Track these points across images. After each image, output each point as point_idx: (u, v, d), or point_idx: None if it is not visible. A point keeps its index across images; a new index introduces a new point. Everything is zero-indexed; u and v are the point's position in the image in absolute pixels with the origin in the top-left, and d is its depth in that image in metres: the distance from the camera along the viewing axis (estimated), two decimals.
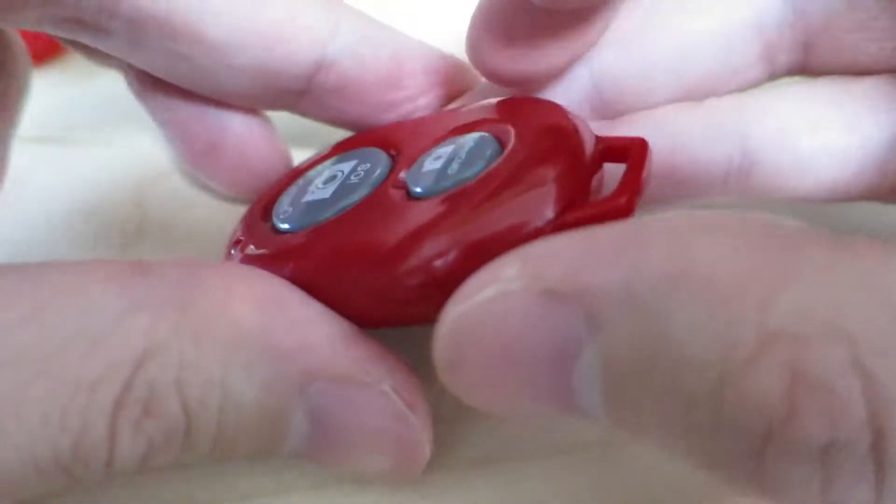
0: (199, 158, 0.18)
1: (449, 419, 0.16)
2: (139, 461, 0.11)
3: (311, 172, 0.16)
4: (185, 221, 0.20)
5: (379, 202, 0.14)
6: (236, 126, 0.18)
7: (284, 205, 0.16)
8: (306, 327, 0.12)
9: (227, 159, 0.18)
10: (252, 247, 0.15)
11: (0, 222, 0.19)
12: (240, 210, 0.20)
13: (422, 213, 0.13)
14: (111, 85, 0.20)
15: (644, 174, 0.13)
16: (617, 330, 0.10)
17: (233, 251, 0.15)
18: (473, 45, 0.15)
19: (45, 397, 0.10)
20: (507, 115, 0.15)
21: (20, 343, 0.10)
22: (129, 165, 0.21)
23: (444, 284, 0.11)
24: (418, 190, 0.14)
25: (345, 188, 0.15)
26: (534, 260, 0.10)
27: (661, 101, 0.17)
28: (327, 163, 0.16)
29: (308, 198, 0.15)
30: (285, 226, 0.15)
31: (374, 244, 0.13)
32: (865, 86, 0.16)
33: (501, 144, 0.14)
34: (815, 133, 0.16)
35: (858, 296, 0.09)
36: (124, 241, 0.19)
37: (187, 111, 0.17)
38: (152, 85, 0.17)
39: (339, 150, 0.17)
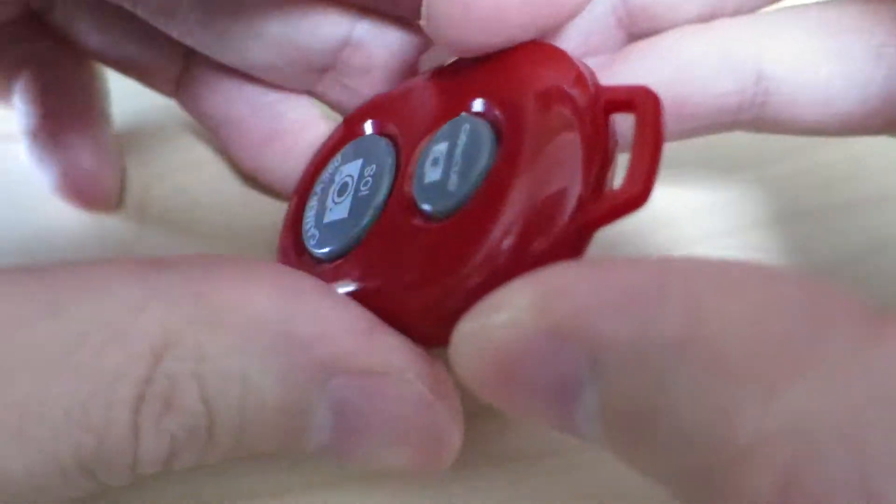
0: (259, 151, 0.18)
1: None
2: (163, 460, 0.11)
3: (325, 175, 0.16)
4: (187, 221, 0.20)
5: (394, 226, 0.14)
6: (291, 112, 0.18)
7: (310, 225, 0.15)
8: (326, 318, 0.12)
9: (285, 146, 0.18)
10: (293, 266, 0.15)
11: (0, 222, 0.19)
12: (238, 210, 0.20)
13: (441, 244, 0.12)
14: (111, 85, 0.20)
15: (659, 145, 0.12)
16: (618, 381, 0.09)
17: None
18: None
19: (65, 393, 0.10)
20: (498, 82, 0.14)
21: (39, 340, 0.10)
22: (130, 165, 0.21)
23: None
24: (427, 208, 0.13)
25: (358, 203, 0.15)
26: (545, 293, 0.10)
27: (689, 17, 0.16)
28: (336, 160, 0.16)
29: (328, 218, 0.15)
30: (317, 252, 0.15)
31: (406, 292, 0.13)
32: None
33: (496, 131, 0.13)
34: (837, 61, 0.15)
35: (880, 401, 0.08)
36: (126, 242, 0.19)
37: (242, 107, 0.18)
38: (206, 88, 0.17)
39: (348, 131, 0.17)
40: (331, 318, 0.12)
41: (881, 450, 0.08)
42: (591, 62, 0.14)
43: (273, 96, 0.18)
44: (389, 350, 0.12)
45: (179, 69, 0.18)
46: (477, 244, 0.12)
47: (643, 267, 0.10)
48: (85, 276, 0.11)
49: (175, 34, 0.16)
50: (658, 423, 0.09)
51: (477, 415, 0.14)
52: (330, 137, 0.17)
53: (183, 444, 0.11)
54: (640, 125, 0.12)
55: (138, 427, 0.11)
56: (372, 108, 0.17)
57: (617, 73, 0.15)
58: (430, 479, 0.16)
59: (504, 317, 0.10)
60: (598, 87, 0.13)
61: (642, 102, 0.12)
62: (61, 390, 0.10)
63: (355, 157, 0.16)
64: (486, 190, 0.12)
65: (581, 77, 0.13)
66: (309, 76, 0.17)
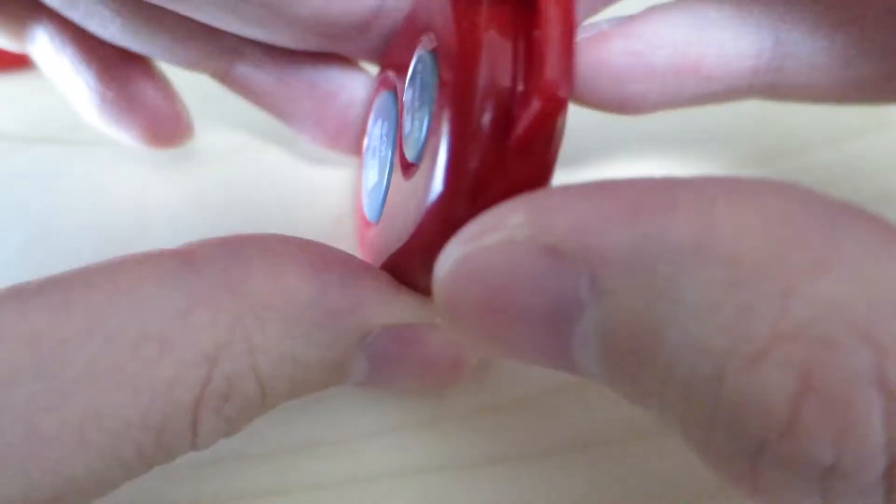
0: (334, 140, 0.18)
1: (448, 420, 0.16)
2: (220, 437, 0.12)
3: (367, 137, 0.17)
4: (188, 220, 0.20)
5: (398, 183, 0.14)
6: (356, 94, 0.18)
7: (364, 192, 0.16)
8: (356, 285, 0.13)
9: (356, 130, 0.18)
10: (359, 237, 0.16)
11: (0, 223, 0.19)
12: (236, 210, 0.20)
13: (413, 194, 0.12)
14: None
15: (571, 27, 0.10)
16: (620, 299, 0.09)
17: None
18: None
19: (123, 405, 0.10)
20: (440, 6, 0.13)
21: (87, 357, 0.10)
22: (131, 165, 0.21)
23: None
24: (410, 159, 0.13)
25: (381, 166, 0.15)
26: (541, 210, 0.10)
27: None
28: (370, 121, 0.16)
29: (370, 183, 0.16)
30: (370, 218, 0.15)
31: (406, 249, 0.13)
32: None
33: (436, 62, 0.13)
34: (854, 25, 0.15)
35: None
36: (127, 241, 0.19)
37: (312, 99, 0.18)
38: (274, 83, 0.17)
39: (374, 87, 0.17)
40: (360, 284, 0.13)
41: None
42: (613, 18, 0.14)
43: (322, 66, 0.18)
44: (414, 304, 0.13)
45: (228, 63, 0.18)
46: (424, 200, 0.12)
47: (648, 181, 0.09)
48: (119, 283, 0.11)
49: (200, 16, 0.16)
50: (663, 339, 0.09)
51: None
52: (368, 96, 0.18)
53: (239, 420, 0.12)
54: (546, 6, 0.10)
55: (198, 419, 0.11)
56: (383, 60, 0.17)
57: (638, 30, 0.15)
58: (430, 480, 0.16)
59: (496, 237, 0.10)
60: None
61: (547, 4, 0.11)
62: (119, 402, 0.10)
63: (377, 117, 0.16)
64: (433, 130, 0.12)
65: None
66: (341, 41, 0.17)
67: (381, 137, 0.15)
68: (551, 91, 0.10)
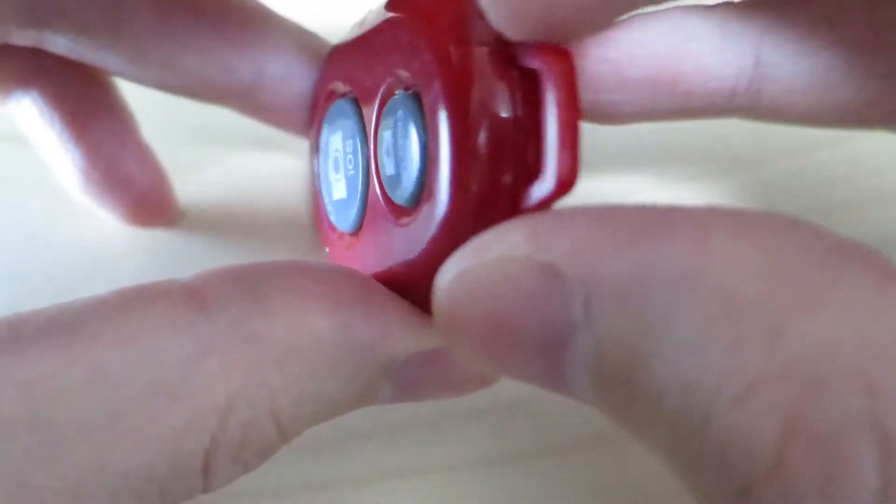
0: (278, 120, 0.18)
1: (448, 420, 0.16)
2: (235, 478, 0.12)
3: (321, 142, 0.16)
4: (189, 220, 0.20)
5: (378, 211, 0.14)
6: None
7: (328, 199, 0.16)
8: (380, 316, 0.12)
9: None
10: (329, 249, 0.16)
11: (0, 223, 0.19)
12: (236, 210, 0.20)
13: (409, 236, 0.13)
14: None
15: (576, 118, 0.11)
16: (612, 325, 0.09)
17: (325, 250, 0.16)
18: None
19: (125, 458, 0.10)
20: (416, 40, 0.13)
21: (91, 407, 0.10)
22: None
23: None
24: (394, 198, 0.13)
25: (350, 184, 0.15)
26: (540, 230, 0.10)
27: None
28: (324, 128, 0.16)
29: (336, 195, 0.16)
30: (338, 227, 0.15)
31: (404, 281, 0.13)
32: None
33: (421, 107, 0.13)
34: (836, 50, 0.15)
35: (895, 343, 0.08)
36: (128, 240, 0.19)
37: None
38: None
39: (322, 92, 0.17)
40: (382, 312, 0.12)
41: None
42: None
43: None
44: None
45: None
46: (426, 241, 0.12)
47: (649, 208, 0.09)
48: (124, 327, 0.11)
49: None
50: (652, 371, 0.08)
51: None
52: (311, 98, 0.17)
53: (257, 461, 0.12)
54: (553, 94, 0.11)
55: (210, 470, 0.11)
56: (334, 65, 0.16)
57: (616, 38, 0.15)
58: (430, 480, 0.16)
59: (494, 253, 0.10)
60: (509, 45, 0.12)
61: (551, 65, 0.11)
62: (121, 456, 0.10)
63: (335, 129, 0.16)
64: (429, 185, 0.12)
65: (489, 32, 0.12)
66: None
67: (344, 153, 0.15)
68: (569, 182, 0.11)
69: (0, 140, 0.21)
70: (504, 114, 0.11)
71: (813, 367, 0.08)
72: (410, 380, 0.13)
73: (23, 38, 0.15)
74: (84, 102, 0.18)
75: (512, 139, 0.11)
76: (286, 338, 0.11)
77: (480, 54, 0.12)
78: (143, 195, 0.18)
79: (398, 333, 0.12)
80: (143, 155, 0.18)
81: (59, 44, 0.16)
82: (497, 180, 0.11)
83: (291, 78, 0.17)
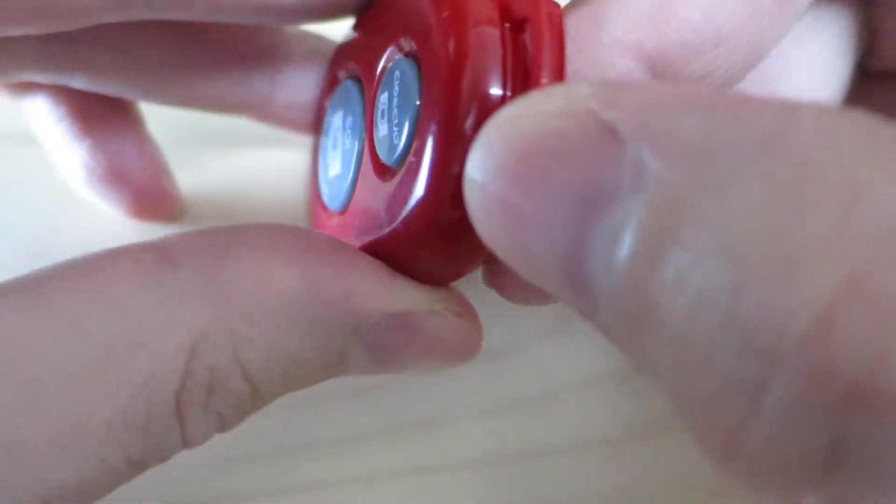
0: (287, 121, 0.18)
1: (448, 420, 0.16)
2: (214, 431, 0.12)
3: (324, 125, 0.17)
4: (192, 215, 0.20)
5: (369, 178, 0.14)
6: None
7: (322, 178, 0.16)
8: (348, 274, 0.12)
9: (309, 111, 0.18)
10: (318, 224, 0.16)
11: (2, 224, 0.19)
12: (236, 210, 0.20)
13: (396, 195, 0.13)
14: None
15: (562, 66, 0.11)
16: (667, 188, 0.08)
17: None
18: None
19: (102, 406, 0.10)
20: (417, 9, 0.13)
21: (65, 358, 0.10)
22: None
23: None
24: (384, 160, 0.13)
25: (345, 157, 0.15)
26: (611, 88, 0.09)
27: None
28: (328, 109, 0.16)
29: (331, 172, 0.16)
30: (330, 206, 0.15)
31: (389, 241, 0.13)
32: None
33: (419, 69, 0.13)
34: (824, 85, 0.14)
35: None
36: (132, 236, 0.19)
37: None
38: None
39: (332, 75, 0.17)
40: (352, 272, 0.12)
41: None
42: None
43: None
44: (410, 291, 0.13)
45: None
46: (412, 191, 0.12)
47: (728, 91, 0.09)
48: (94, 281, 0.11)
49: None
50: (693, 238, 0.08)
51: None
52: (322, 81, 0.18)
53: (231, 415, 0.12)
54: (537, 44, 0.11)
55: (183, 415, 0.11)
56: (345, 48, 0.17)
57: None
58: (430, 480, 0.16)
59: (557, 103, 0.09)
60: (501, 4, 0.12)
61: (538, 17, 0.11)
62: (97, 404, 0.10)
63: (337, 108, 0.16)
64: (418, 140, 0.12)
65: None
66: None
67: (343, 129, 0.15)
68: None
69: (5, 140, 0.21)
70: (496, 70, 0.11)
71: (886, 236, 0.07)
72: (382, 345, 0.13)
73: (45, 78, 0.16)
74: (91, 99, 0.18)
75: (503, 95, 0.11)
76: (251, 289, 0.11)
77: (475, 12, 0.12)
78: (145, 189, 0.19)
79: (367, 292, 0.12)
80: (147, 150, 0.19)
81: (76, 82, 0.16)
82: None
83: (303, 82, 0.17)
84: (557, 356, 0.17)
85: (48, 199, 0.19)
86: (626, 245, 0.08)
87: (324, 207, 0.16)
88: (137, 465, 0.11)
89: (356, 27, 0.16)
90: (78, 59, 0.16)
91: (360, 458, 0.16)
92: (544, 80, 0.11)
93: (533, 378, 0.17)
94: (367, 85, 0.14)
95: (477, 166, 0.10)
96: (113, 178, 0.18)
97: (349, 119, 0.15)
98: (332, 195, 0.15)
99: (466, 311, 0.13)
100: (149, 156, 0.19)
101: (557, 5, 0.11)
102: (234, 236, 0.12)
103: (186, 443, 0.11)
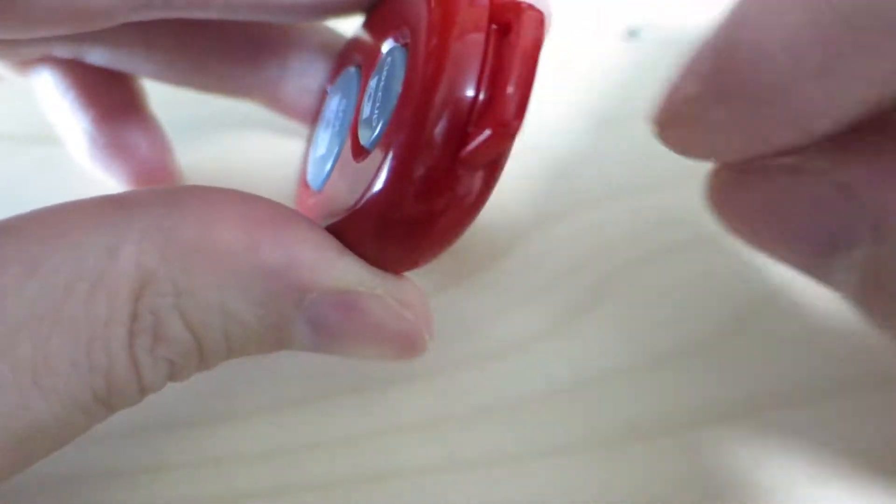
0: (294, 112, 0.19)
1: (448, 420, 0.16)
2: (166, 380, 0.12)
3: (323, 108, 0.17)
4: None
5: (346, 160, 0.14)
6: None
7: (309, 158, 0.16)
8: (294, 244, 0.12)
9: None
10: (299, 203, 0.16)
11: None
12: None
13: (362, 176, 0.13)
14: None
15: (533, 69, 0.11)
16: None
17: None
18: None
19: (67, 344, 0.11)
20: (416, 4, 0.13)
21: (27, 302, 0.11)
22: None
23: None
24: (362, 142, 0.13)
25: (331, 139, 0.15)
26: (839, 151, 0.11)
27: None
28: (329, 94, 0.17)
29: (317, 152, 0.16)
30: (312, 186, 0.16)
31: (351, 222, 0.13)
32: None
33: (406, 57, 0.13)
34: None
35: None
36: None
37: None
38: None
39: (340, 62, 0.17)
40: (298, 243, 0.12)
41: None
42: None
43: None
44: (357, 271, 0.13)
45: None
46: (375, 177, 0.12)
47: None
48: (55, 227, 0.11)
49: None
50: None
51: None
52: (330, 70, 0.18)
53: (180, 365, 0.12)
54: (511, 44, 0.11)
55: (136, 359, 0.11)
56: (353, 41, 0.17)
57: None
58: (429, 480, 0.16)
59: (785, 164, 0.11)
60: (494, 2, 0.12)
61: (518, 19, 0.11)
62: (62, 342, 0.11)
63: (337, 91, 0.16)
64: (391, 126, 0.12)
65: None
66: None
67: (336, 112, 0.16)
68: (505, 124, 0.11)
69: (5, 140, 0.21)
70: (473, 69, 0.11)
71: None
72: (322, 321, 0.13)
73: (63, 53, 0.17)
74: (97, 73, 0.18)
75: (475, 90, 0.11)
76: (192, 242, 0.12)
77: (467, 13, 0.12)
78: (147, 162, 0.19)
79: (309, 265, 0.12)
80: (149, 124, 0.19)
81: (95, 58, 0.17)
82: (450, 124, 0.11)
83: (312, 71, 0.18)
84: (557, 356, 0.17)
85: (48, 199, 0.19)
86: (870, 280, 0.11)
87: (306, 186, 0.16)
88: (105, 405, 0.12)
89: (366, 23, 0.16)
90: (98, 37, 0.16)
91: (361, 458, 0.16)
92: (510, 89, 0.11)
93: (533, 378, 0.17)
94: (366, 73, 0.15)
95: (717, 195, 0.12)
96: (116, 150, 0.19)
97: (343, 103, 0.15)
98: (315, 174, 0.16)
99: (415, 303, 0.14)
100: (151, 130, 0.19)
101: (540, 11, 0.12)
102: (187, 193, 0.12)
103: (143, 388, 0.12)
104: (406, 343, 0.14)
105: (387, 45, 0.14)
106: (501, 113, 0.11)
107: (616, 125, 0.22)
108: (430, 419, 0.16)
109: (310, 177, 0.16)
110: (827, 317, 0.18)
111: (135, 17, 0.13)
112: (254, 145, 0.21)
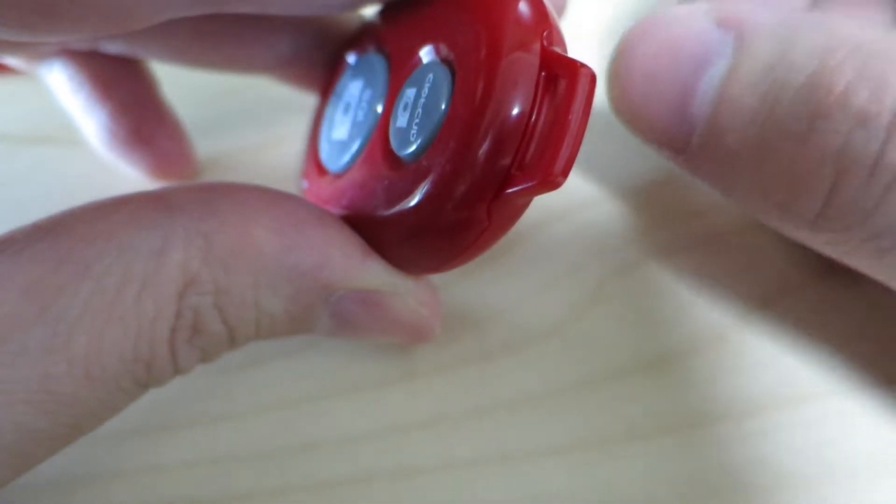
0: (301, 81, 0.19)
1: (448, 419, 0.16)
2: (198, 363, 0.13)
3: (339, 84, 0.17)
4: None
5: (374, 158, 0.14)
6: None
7: (324, 135, 0.17)
8: (325, 246, 0.13)
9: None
10: (307, 183, 0.17)
11: (1, 224, 0.19)
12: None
13: (400, 187, 0.13)
14: None
15: (583, 127, 0.12)
16: (756, 48, 0.13)
17: (303, 183, 0.17)
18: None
19: (117, 340, 0.12)
20: (465, 18, 0.13)
21: (82, 300, 0.11)
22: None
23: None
24: (395, 150, 0.14)
25: (354, 128, 0.15)
26: (725, 4, 0.14)
27: None
28: (347, 72, 0.17)
29: (336, 134, 0.16)
30: (326, 166, 0.16)
31: (380, 226, 0.14)
32: None
33: (453, 79, 0.13)
34: None
35: None
36: None
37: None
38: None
39: (360, 40, 0.17)
40: (328, 244, 0.13)
41: None
42: None
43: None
44: (380, 273, 0.14)
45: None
46: (411, 192, 0.13)
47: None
48: (102, 229, 0.12)
49: None
50: (780, 66, 0.13)
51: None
52: (349, 41, 0.18)
53: (212, 351, 0.13)
54: (566, 101, 0.12)
55: (175, 349, 0.13)
56: (376, 25, 0.17)
57: None
58: (429, 480, 0.16)
59: (686, 11, 0.14)
60: (546, 50, 0.12)
61: (574, 77, 0.12)
62: (113, 338, 0.12)
63: (359, 76, 0.16)
64: (435, 147, 0.13)
65: (535, 35, 0.12)
66: None
67: (359, 100, 0.16)
68: (552, 178, 0.11)
69: (5, 140, 0.21)
70: (522, 109, 0.12)
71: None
72: (345, 315, 0.14)
73: (80, 44, 0.18)
74: (109, 65, 0.19)
75: (521, 134, 0.12)
76: (232, 243, 0.13)
77: (521, 55, 0.12)
78: (165, 150, 0.20)
79: (339, 266, 0.13)
80: (164, 114, 0.20)
81: (112, 48, 0.18)
82: (495, 163, 0.12)
83: (325, 45, 0.18)
84: (557, 356, 0.17)
85: (48, 199, 0.19)
86: (727, 83, 0.13)
87: (318, 163, 0.16)
88: (142, 387, 0.13)
89: (384, 12, 0.16)
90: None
91: (360, 458, 0.16)
92: (565, 147, 0.11)
93: (533, 378, 0.17)
94: (396, 71, 0.15)
95: (624, 57, 0.15)
96: (135, 140, 0.19)
97: (368, 92, 0.15)
98: (331, 156, 0.16)
99: (430, 301, 0.15)
100: (167, 118, 0.20)
101: (594, 72, 0.12)
102: (223, 191, 0.13)
103: (177, 371, 0.13)
104: (418, 334, 0.15)
105: (426, 56, 0.14)
106: (551, 166, 0.11)
107: (616, 124, 0.22)
108: (430, 419, 0.16)
109: (324, 155, 0.16)
110: (827, 318, 0.18)
111: (184, 13, 0.13)
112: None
